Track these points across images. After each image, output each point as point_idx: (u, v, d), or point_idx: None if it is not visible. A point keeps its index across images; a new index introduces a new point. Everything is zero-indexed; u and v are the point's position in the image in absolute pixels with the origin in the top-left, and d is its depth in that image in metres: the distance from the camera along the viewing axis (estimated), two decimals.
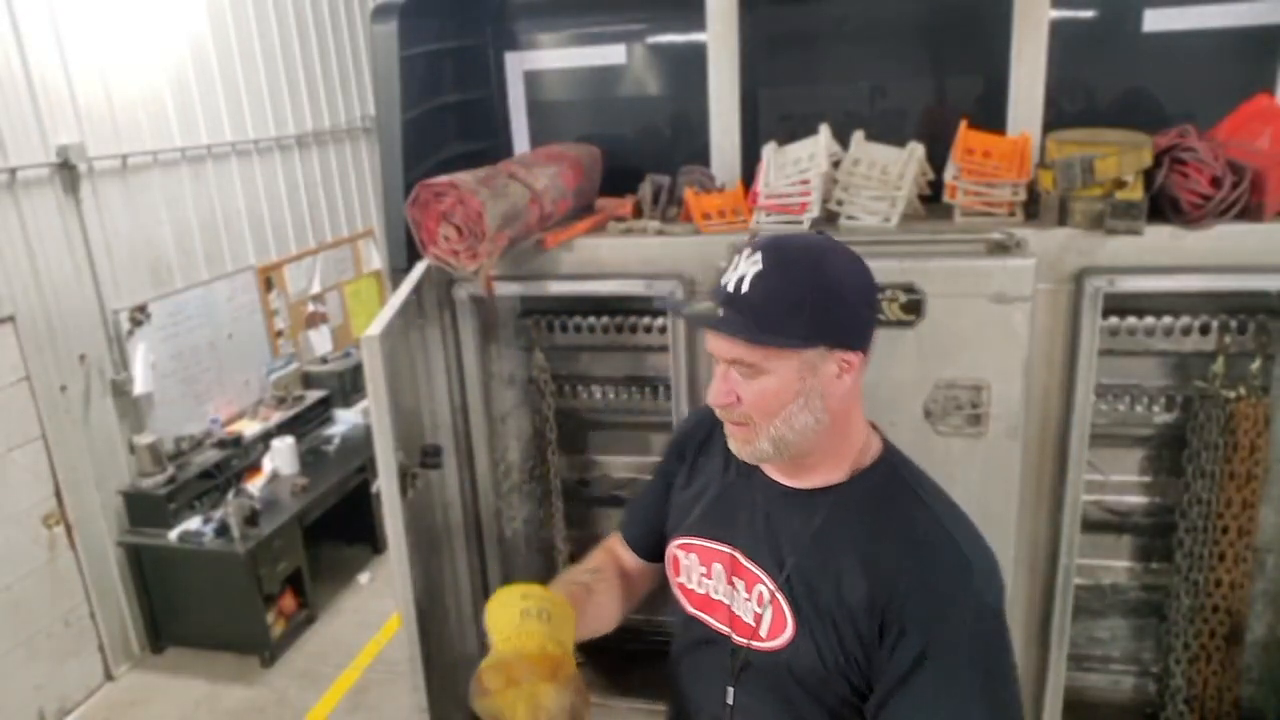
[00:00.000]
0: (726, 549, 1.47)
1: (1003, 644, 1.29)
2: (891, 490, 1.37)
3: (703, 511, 1.53)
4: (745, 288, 1.28)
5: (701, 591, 1.52)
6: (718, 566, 1.48)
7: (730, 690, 1.45)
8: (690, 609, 1.54)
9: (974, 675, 1.25)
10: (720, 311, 1.30)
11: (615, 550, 1.79)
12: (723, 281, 1.33)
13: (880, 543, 1.32)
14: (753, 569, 1.42)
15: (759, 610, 1.40)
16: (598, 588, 1.66)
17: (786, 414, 1.31)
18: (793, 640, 1.36)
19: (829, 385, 1.31)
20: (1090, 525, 2.89)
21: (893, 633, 1.27)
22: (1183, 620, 2.88)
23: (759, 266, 1.28)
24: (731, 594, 1.46)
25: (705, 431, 1.61)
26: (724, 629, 1.47)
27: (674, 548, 1.57)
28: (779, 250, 1.31)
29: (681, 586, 1.56)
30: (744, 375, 1.32)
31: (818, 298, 1.27)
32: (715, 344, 1.34)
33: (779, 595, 1.38)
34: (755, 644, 1.41)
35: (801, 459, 1.38)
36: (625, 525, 1.78)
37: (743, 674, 1.43)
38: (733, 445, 1.39)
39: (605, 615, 1.65)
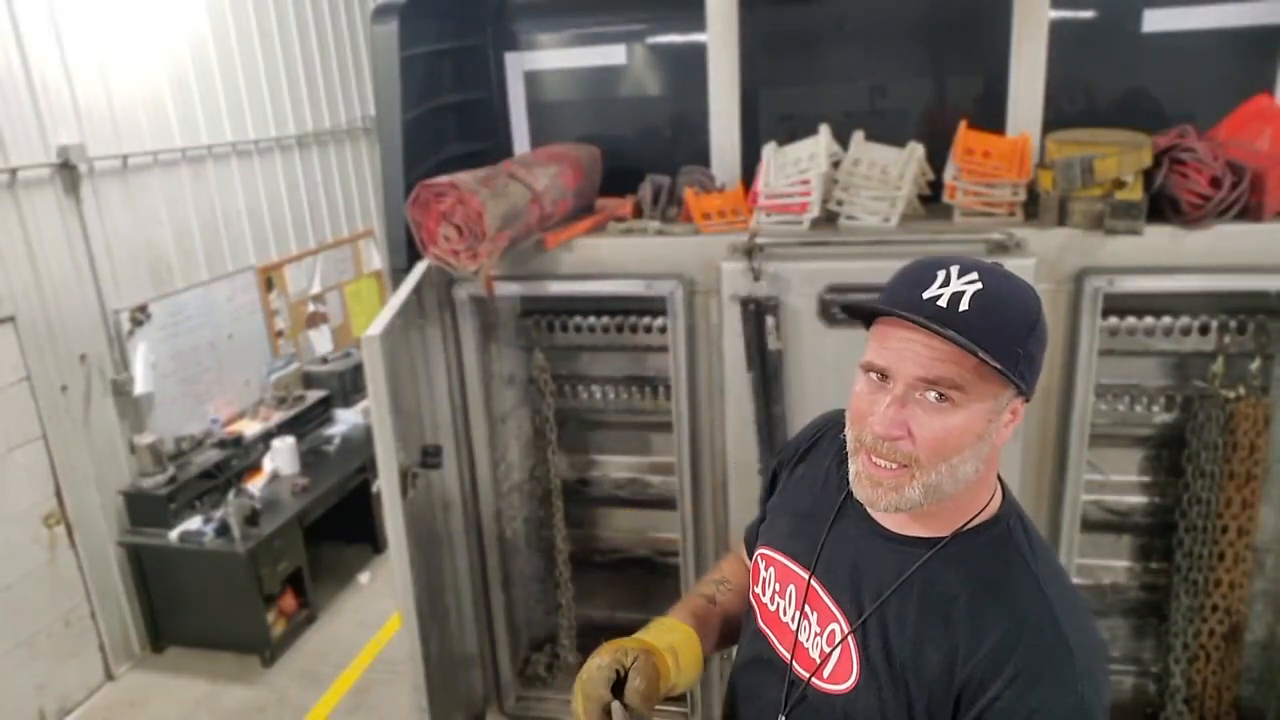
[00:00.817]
0: (804, 575, 1.37)
1: None
2: (1000, 555, 1.23)
3: (791, 527, 1.44)
4: (964, 305, 1.11)
5: (773, 609, 1.44)
6: (792, 589, 1.39)
7: (781, 718, 1.37)
8: (761, 623, 1.45)
9: None
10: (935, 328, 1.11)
11: (739, 553, 1.71)
12: (925, 295, 1.13)
13: (974, 610, 1.19)
14: (830, 605, 1.32)
15: (827, 649, 1.31)
16: (723, 598, 1.60)
17: (959, 460, 1.15)
18: (855, 687, 1.27)
19: (999, 434, 1.18)
20: (1090, 525, 2.89)
21: (974, 711, 1.16)
22: (1182, 620, 2.88)
23: (979, 285, 1.12)
24: (800, 622, 1.37)
25: (809, 440, 1.50)
26: (785, 654, 1.39)
27: (758, 554, 1.49)
28: (994, 274, 1.15)
29: (757, 597, 1.47)
30: (930, 407, 1.14)
31: (1031, 332, 1.14)
32: (907, 349, 1.13)
33: (851, 640, 1.28)
34: (816, 681, 1.32)
35: (923, 509, 1.21)
36: (747, 526, 1.68)
37: (796, 708, 1.35)
38: (866, 489, 1.21)
39: (735, 624, 1.58)
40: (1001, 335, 1.11)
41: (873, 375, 1.19)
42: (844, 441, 1.31)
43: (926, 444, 1.14)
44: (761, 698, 1.42)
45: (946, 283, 1.13)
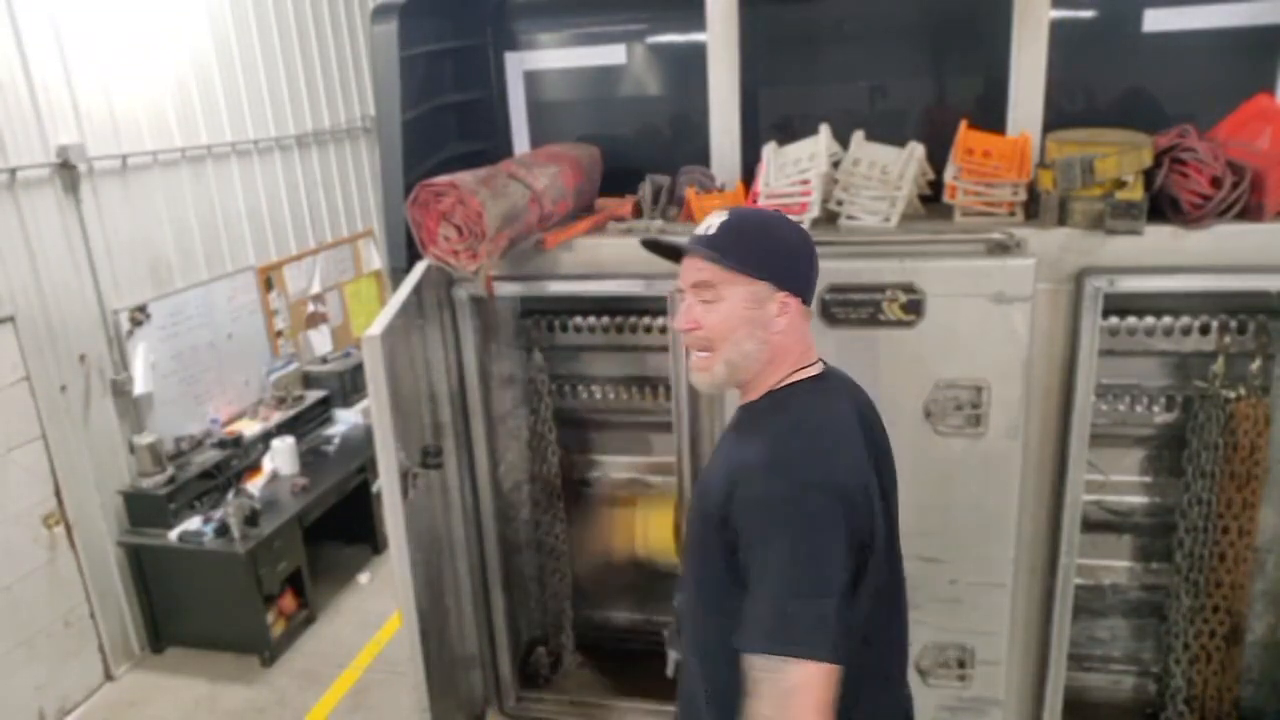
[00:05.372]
0: None
1: (796, 525, 1.50)
2: (776, 406, 1.68)
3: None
4: (713, 231, 1.67)
5: None
6: None
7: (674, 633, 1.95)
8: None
9: (766, 551, 1.51)
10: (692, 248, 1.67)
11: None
12: (696, 231, 1.70)
13: (745, 441, 1.66)
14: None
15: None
16: None
17: (736, 338, 1.64)
18: (688, 542, 1.80)
19: (770, 321, 1.64)
20: (1090, 525, 2.89)
21: (731, 512, 1.57)
22: (1183, 620, 2.88)
23: (724, 218, 1.68)
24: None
25: None
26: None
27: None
28: (741, 211, 1.76)
29: None
30: (705, 305, 1.64)
31: (764, 243, 1.66)
32: (686, 268, 1.69)
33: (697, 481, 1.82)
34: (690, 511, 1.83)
35: (744, 384, 1.71)
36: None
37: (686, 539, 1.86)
38: (694, 379, 1.73)
39: None
40: (734, 245, 1.63)
41: (680, 295, 1.73)
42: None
43: (710, 328, 1.65)
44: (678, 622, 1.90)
45: (709, 222, 1.69)
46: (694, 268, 1.66)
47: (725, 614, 1.57)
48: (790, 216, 1.74)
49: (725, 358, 1.65)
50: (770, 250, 1.65)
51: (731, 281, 1.62)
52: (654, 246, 1.81)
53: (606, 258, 2.80)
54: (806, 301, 1.70)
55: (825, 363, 1.78)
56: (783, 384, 1.69)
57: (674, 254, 1.76)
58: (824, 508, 1.50)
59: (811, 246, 1.72)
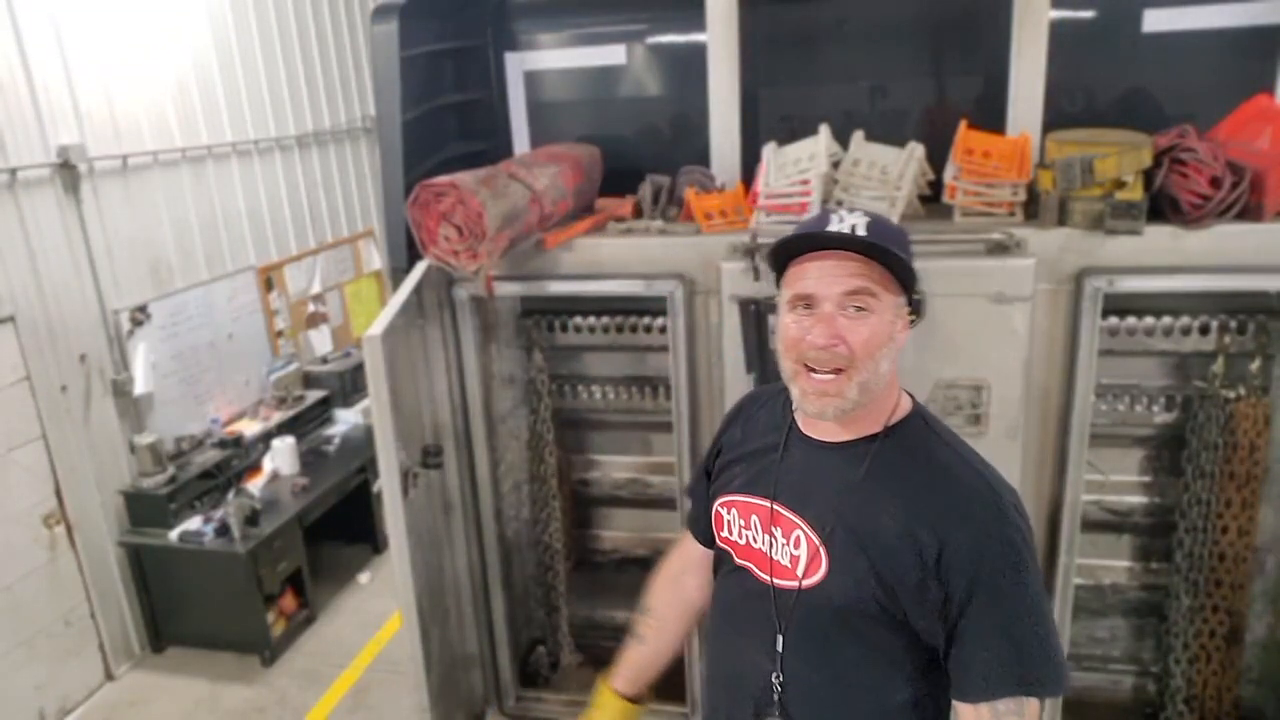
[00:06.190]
0: (765, 502, 1.56)
1: (1035, 564, 1.42)
2: (923, 438, 1.49)
3: (743, 472, 1.64)
4: (863, 230, 1.39)
5: (743, 542, 1.61)
6: (755, 518, 1.58)
7: (779, 638, 1.52)
8: (737, 559, 1.63)
9: (1020, 592, 1.38)
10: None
11: (685, 546, 1.88)
12: (831, 229, 1.40)
13: (914, 480, 1.44)
14: (791, 517, 1.52)
15: (796, 553, 1.51)
16: (649, 630, 1.87)
17: (880, 356, 1.41)
18: (828, 575, 1.47)
19: (899, 338, 1.45)
20: (1090, 525, 2.89)
21: (937, 565, 1.39)
22: (1183, 620, 2.88)
23: (867, 218, 1.41)
24: (770, 542, 1.55)
25: (728, 421, 1.77)
26: (765, 578, 1.56)
27: (717, 506, 1.67)
28: (875, 214, 1.45)
29: (725, 540, 1.66)
30: (854, 316, 1.39)
31: (909, 253, 1.44)
32: (832, 272, 1.39)
33: (814, 537, 1.48)
34: (799, 584, 1.50)
35: (856, 412, 1.46)
36: (690, 520, 1.88)
37: (792, 616, 1.51)
38: (814, 402, 1.43)
39: (666, 649, 1.89)
40: (893, 246, 1.39)
41: (799, 307, 1.43)
42: (771, 393, 1.66)
43: (859, 345, 1.39)
44: (755, 627, 1.57)
45: (842, 221, 1.41)
46: (849, 271, 1.39)
47: (893, 686, 1.48)
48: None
49: (860, 380, 1.40)
50: (905, 253, 1.43)
51: (887, 290, 1.40)
52: (782, 252, 1.46)
53: (606, 258, 2.81)
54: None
55: None
56: (907, 411, 1.53)
57: (793, 254, 1.45)
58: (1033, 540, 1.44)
59: None
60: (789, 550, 1.52)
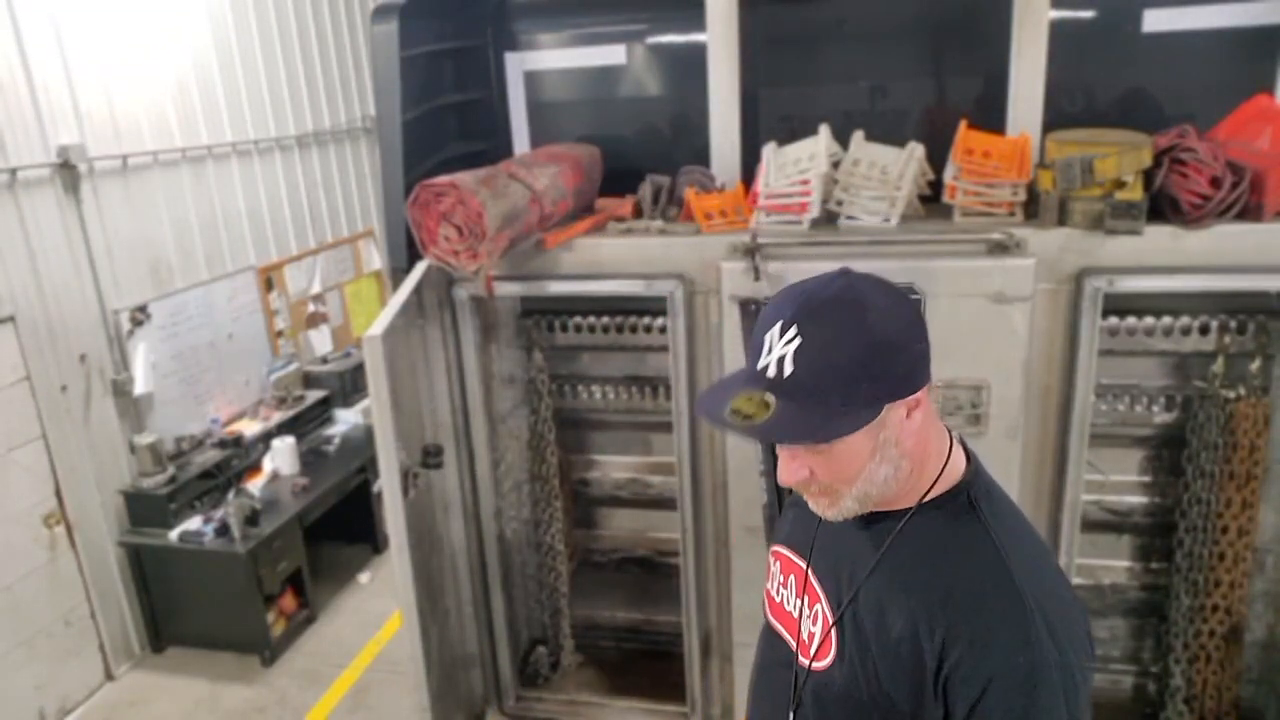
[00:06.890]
0: (802, 563, 1.45)
1: (1063, 699, 1.17)
2: (960, 522, 1.27)
3: (793, 520, 1.52)
4: (789, 368, 1.15)
5: (778, 600, 1.51)
6: (793, 579, 1.48)
7: (791, 715, 1.41)
8: (769, 616, 1.53)
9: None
10: (769, 401, 1.16)
11: None
12: (759, 366, 1.19)
13: (932, 577, 1.24)
14: (818, 589, 1.39)
15: (813, 629, 1.39)
16: None
17: (866, 474, 1.23)
18: (833, 663, 1.33)
19: (901, 432, 1.22)
20: (1090, 525, 2.89)
21: (936, 680, 1.21)
22: (1182, 620, 2.88)
23: (798, 341, 1.15)
24: (800, 609, 1.43)
25: None
26: (791, 645, 1.45)
27: (769, 553, 1.58)
28: (812, 315, 1.17)
29: (767, 592, 1.55)
30: (815, 452, 1.23)
31: (871, 358, 1.16)
32: (779, 449, 1.28)
33: (829, 615, 1.35)
34: (812, 664, 1.39)
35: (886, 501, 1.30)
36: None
37: (801, 696, 1.40)
38: (817, 509, 1.30)
39: None
40: (830, 386, 1.15)
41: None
42: None
43: (829, 477, 1.24)
44: (776, 695, 1.47)
45: (771, 349, 1.18)
46: (787, 454, 1.25)
47: None
48: (862, 275, 1.27)
49: (856, 495, 1.25)
50: (878, 363, 1.16)
51: (840, 427, 1.18)
52: (741, 433, 1.26)
53: (606, 258, 2.81)
54: (928, 378, 1.24)
55: (948, 428, 1.37)
56: (955, 482, 1.30)
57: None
58: (1085, 671, 1.20)
59: (912, 308, 1.26)
60: (809, 625, 1.41)
